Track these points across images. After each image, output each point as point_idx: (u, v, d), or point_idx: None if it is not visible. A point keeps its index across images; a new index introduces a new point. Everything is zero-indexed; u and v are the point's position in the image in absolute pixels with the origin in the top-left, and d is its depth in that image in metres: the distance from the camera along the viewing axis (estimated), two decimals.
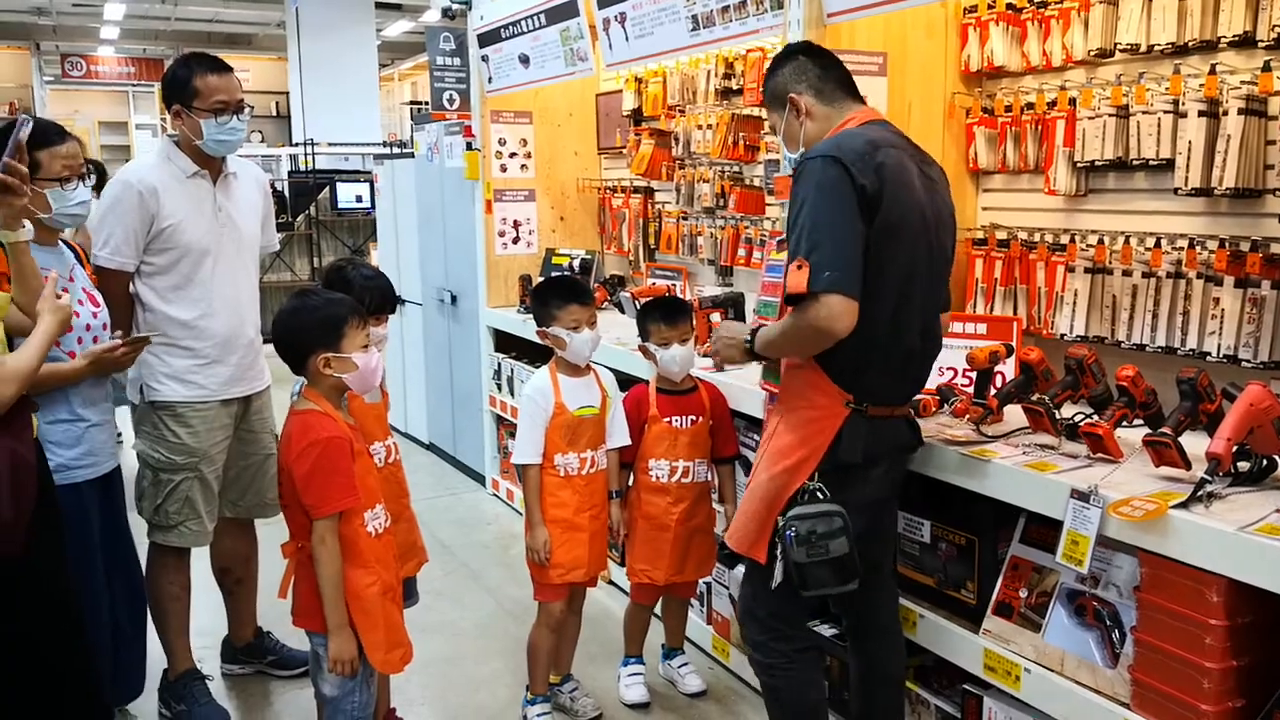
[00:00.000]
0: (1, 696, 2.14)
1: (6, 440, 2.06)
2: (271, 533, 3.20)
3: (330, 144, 11.10)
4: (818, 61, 2.33)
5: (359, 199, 9.97)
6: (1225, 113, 2.38)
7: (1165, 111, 2.51)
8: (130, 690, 2.95)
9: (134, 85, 20.67)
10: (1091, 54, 2.68)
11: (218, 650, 3.40)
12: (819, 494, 2.19)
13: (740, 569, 3.26)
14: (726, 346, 2.42)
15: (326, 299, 2.40)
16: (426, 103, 15.70)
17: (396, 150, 10.18)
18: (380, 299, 2.68)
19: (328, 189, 10.09)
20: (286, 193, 10.12)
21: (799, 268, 2.06)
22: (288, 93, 13.55)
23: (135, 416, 3.02)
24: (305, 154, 10.66)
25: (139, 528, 2.96)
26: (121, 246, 2.83)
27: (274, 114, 16.11)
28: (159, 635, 3.10)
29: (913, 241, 2.18)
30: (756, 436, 3.13)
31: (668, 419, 3.02)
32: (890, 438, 2.29)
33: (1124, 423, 2.30)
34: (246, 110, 2.93)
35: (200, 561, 3.18)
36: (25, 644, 2.18)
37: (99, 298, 2.74)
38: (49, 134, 2.57)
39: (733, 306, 3.61)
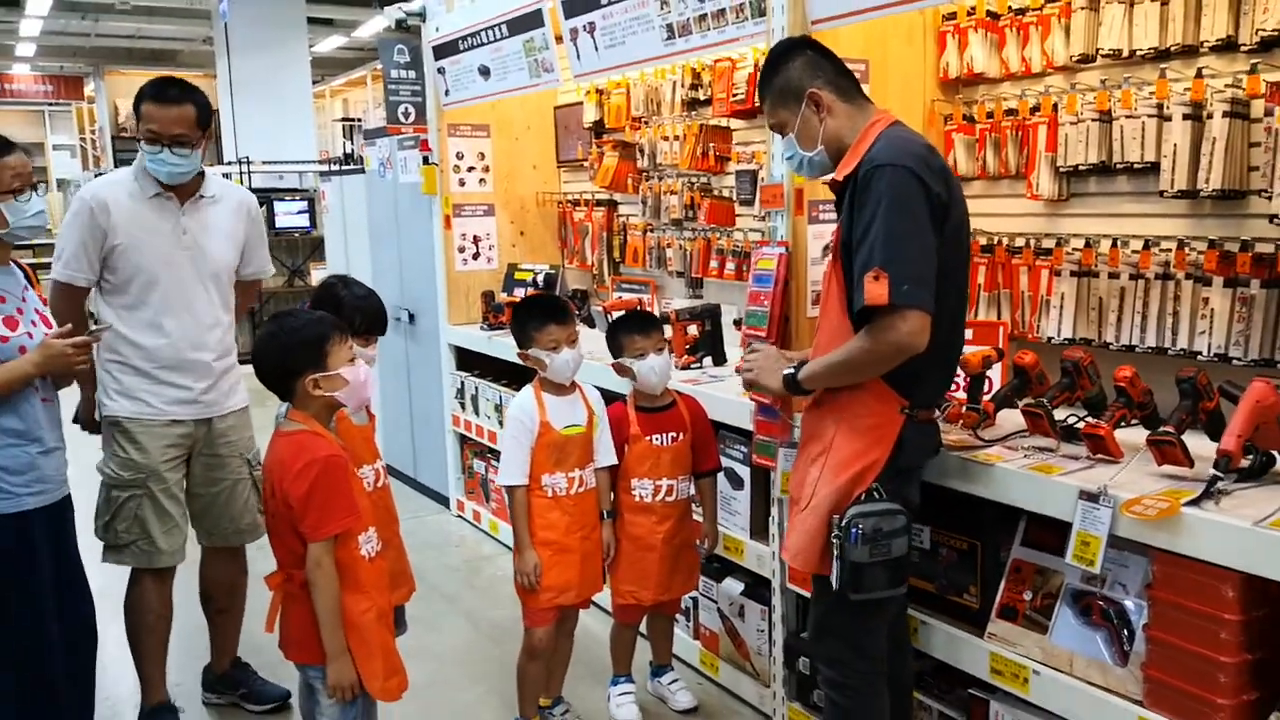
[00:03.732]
0: None
1: None
2: (267, 561, 3.08)
3: (265, 162, 10.83)
4: (828, 58, 2.30)
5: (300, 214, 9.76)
6: (1210, 116, 2.41)
7: (1149, 115, 2.54)
8: None
9: (51, 105, 19.96)
10: (1073, 59, 2.71)
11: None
12: (876, 493, 2.15)
13: (729, 582, 3.23)
14: (766, 373, 2.36)
15: (305, 319, 2.31)
16: (359, 119, 15.43)
17: (338, 166, 9.97)
18: (371, 320, 2.60)
19: (264, 208, 9.84)
20: None
21: (875, 278, 2.01)
22: (217, 110, 13.21)
23: (102, 435, 2.99)
24: (239, 173, 10.39)
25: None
26: (71, 260, 2.83)
27: None
28: (135, 664, 3.02)
29: (967, 245, 2.27)
30: (742, 448, 3.11)
31: (649, 437, 2.96)
32: (932, 441, 2.32)
33: (1122, 423, 2.32)
34: (187, 146, 2.80)
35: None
36: None
37: (51, 319, 2.64)
38: None
39: (710, 318, 3.58)
